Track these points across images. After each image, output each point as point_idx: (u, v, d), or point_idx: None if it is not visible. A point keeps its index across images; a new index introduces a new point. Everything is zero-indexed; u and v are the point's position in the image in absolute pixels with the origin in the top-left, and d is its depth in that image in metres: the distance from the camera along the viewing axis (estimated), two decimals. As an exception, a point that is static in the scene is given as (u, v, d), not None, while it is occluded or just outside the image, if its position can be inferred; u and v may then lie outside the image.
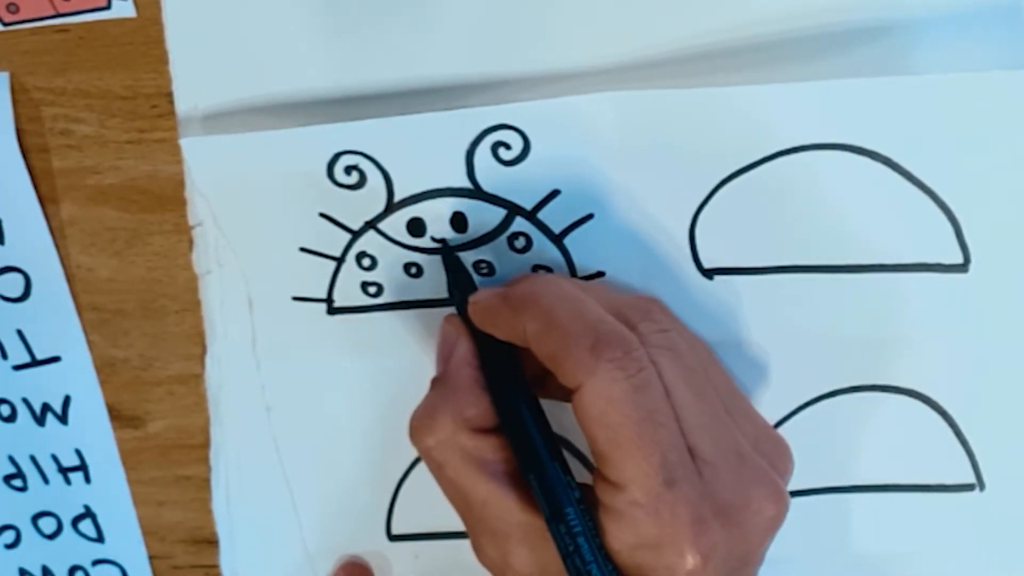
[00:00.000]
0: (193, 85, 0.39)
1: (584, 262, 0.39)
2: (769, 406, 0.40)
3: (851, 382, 0.40)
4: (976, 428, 0.40)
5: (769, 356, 0.39)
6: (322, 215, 0.39)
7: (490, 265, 0.39)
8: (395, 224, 0.39)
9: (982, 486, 0.40)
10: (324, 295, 0.40)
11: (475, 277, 0.39)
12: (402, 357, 0.40)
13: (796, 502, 0.40)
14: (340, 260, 0.40)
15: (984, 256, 0.38)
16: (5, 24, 0.39)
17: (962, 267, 0.38)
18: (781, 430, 0.40)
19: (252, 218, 0.39)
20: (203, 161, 0.39)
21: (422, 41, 0.38)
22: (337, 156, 0.38)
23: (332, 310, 0.40)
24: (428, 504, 0.41)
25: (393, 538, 0.43)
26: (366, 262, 0.39)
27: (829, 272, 0.38)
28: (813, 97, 0.36)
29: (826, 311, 0.39)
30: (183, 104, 0.39)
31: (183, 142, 0.39)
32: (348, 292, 0.40)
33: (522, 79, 0.38)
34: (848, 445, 0.40)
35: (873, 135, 0.37)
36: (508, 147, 0.37)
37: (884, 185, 0.37)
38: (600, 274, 0.39)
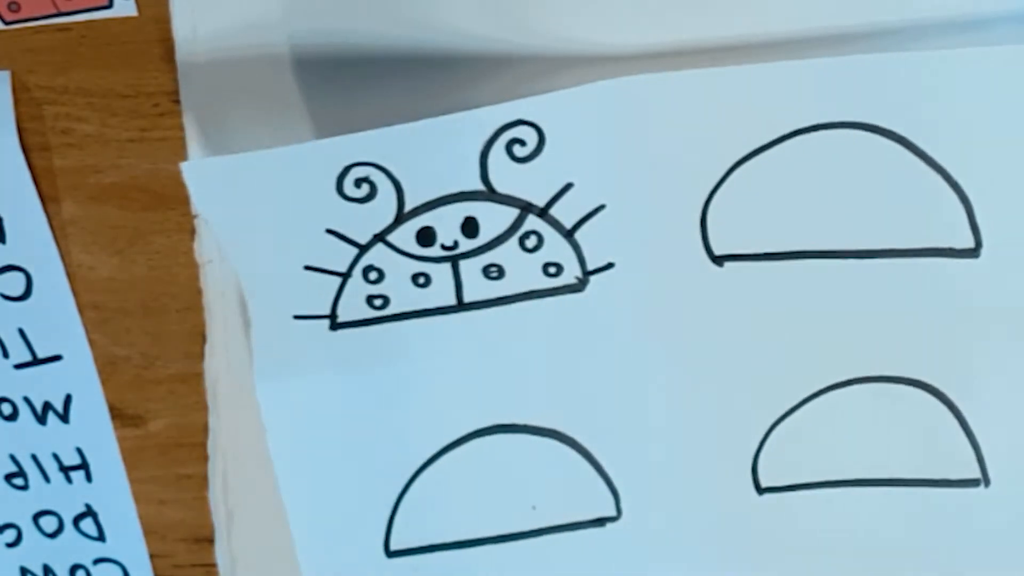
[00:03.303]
0: (197, 53, 0.38)
1: (594, 255, 0.38)
2: (774, 398, 0.39)
3: (857, 373, 0.39)
4: (983, 422, 0.39)
5: (775, 345, 0.39)
6: (329, 231, 0.38)
7: (500, 268, 0.39)
8: (404, 235, 0.38)
9: (987, 482, 0.40)
10: (327, 311, 0.40)
11: (485, 282, 0.39)
12: (405, 368, 0.40)
13: (799, 496, 0.40)
14: (346, 276, 0.39)
15: (997, 241, 0.37)
16: (6, 23, 0.39)
17: (973, 252, 0.37)
18: (787, 422, 0.40)
19: (255, 240, 0.38)
20: (204, 184, 0.38)
21: (435, 13, 0.37)
22: (347, 169, 0.37)
23: (335, 325, 0.40)
24: (430, 516, 0.41)
25: (392, 554, 0.43)
26: (373, 275, 0.39)
27: (838, 258, 0.38)
28: (827, 74, 0.36)
29: (833, 299, 0.38)
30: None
31: (183, 165, 0.38)
32: (352, 306, 0.40)
33: (538, 58, 0.37)
34: (852, 438, 0.40)
35: (887, 112, 0.36)
36: (523, 143, 0.37)
37: (897, 165, 0.36)
38: (610, 266, 0.39)
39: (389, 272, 0.39)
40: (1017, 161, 0.36)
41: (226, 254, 0.39)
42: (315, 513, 0.42)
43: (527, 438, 0.41)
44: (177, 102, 0.39)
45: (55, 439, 0.43)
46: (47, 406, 0.43)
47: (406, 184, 0.38)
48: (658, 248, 0.38)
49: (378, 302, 0.39)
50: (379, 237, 0.38)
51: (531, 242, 0.38)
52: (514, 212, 0.38)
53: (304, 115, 0.39)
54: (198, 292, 0.41)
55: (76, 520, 0.45)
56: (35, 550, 0.45)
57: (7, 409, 0.43)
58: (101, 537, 0.45)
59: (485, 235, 0.38)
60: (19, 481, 0.44)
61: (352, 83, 0.38)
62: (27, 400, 0.43)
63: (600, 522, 0.42)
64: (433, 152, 0.37)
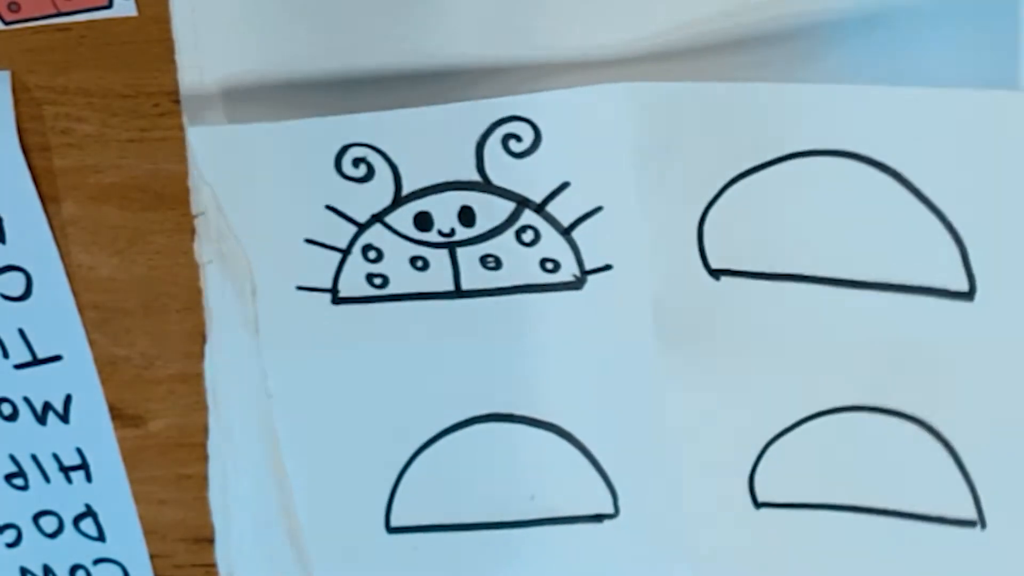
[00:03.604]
0: (198, 53, 0.38)
1: (592, 256, 0.39)
2: (771, 414, 0.39)
3: (853, 401, 0.39)
4: (980, 463, 0.38)
5: (771, 364, 0.39)
6: (328, 207, 0.39)
7: (497, 259, 0.39)
8: (402, 217, 0.39)
9: (983, 524, 0.39)
10: (329, 285, 0.40)
11: (482, 272, 0.39)
12: (405, 348, 0.40)
13: (795, 514, 0.40)
14: (346, 252, 0.39)
15: (991, 286, 0.36)
16: (6, 23, 0.39)
17: (967, 295, 0.36)
18: (780, 442, 0.39)
19: (258, 208, 0.39)
20: (210, 151, 0.38)
21: (433, 24, 0.37)
22: (345, 148, 0.38)
23: (336, 300, 0.40)
24: (430, 496, 0.41)
25: (392, 530, 0.43)
26: (372, 254, 0.39)
27: (834, 285, 0.37)
28: (829, 101, 0.35)
29: (830, 325, 0.38)
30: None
31: (190, 131, 0.38)
32: (353, 283, 0.40)
33: (532, 66, 0.37)
34: (845, 464, 0.40)
35: (885, 146, 0.36)
36: (519, 139, 0.37)
37: (892, 200, 0.36)
38: (608, 267, 0.39)
39: (388, 252, 0.39)
40: (1014, 206, 0.35)
41: (230, 221, 0.40)
42: (318, 483, 0.42)
43: (526, 429, 0.41)
44: (177, 102, 0.39)
45: (55, 439, 0.43)
46: (47, 406, 0.43)
47: (403, 168, 0.38)
48: (655, 256, 0.38)
49: (378, 281, 0.40)
50: (377, 217, 0.39)
51: (528, 236, 0.38)
52: (510, 205, 0.38)
53: (305, 116, 0.39)
54: (198, 292, 0.41)
55: (76, 520, 0.45)
56: (35, 550, 0.45)
57: (7, 409, 0.43)
58: (101, 537, 0.45)
59: (482, 225, 0.38)
60: (19, 481, 0.44)
61: (352, 84, 0.38)
62: (27, 400, 0.43)
63: (598, 518, 0.42)
64: (429, 138, 0.37)
